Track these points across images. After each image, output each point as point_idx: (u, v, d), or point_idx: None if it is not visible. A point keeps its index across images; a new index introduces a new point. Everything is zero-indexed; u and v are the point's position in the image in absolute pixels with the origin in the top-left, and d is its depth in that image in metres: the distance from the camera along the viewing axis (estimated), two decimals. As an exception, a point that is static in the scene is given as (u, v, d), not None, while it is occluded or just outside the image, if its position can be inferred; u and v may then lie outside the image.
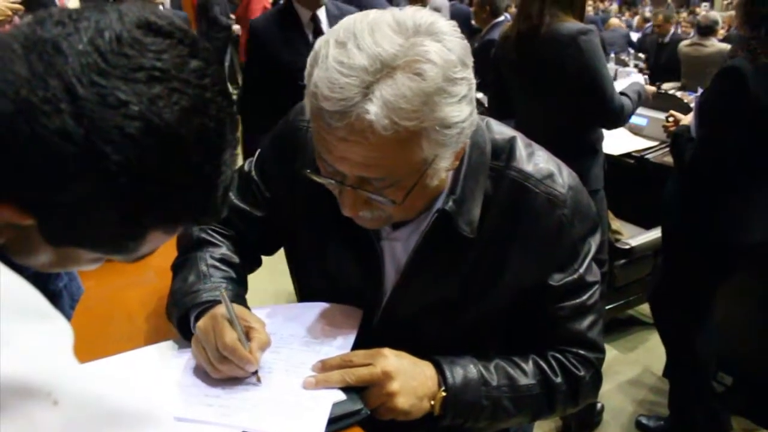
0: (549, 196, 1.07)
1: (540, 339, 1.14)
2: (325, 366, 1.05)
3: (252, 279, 1.25)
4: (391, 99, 0.84)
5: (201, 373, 1.05)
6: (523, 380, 1.10)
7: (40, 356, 0.49)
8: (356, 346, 1.09)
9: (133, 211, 0.61)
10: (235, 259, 1.21)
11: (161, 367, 1.09)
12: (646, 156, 3.44)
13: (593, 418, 2.73)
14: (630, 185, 3.33)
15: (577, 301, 1.11)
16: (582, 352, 1.13)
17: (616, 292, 3.13)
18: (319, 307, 1.18)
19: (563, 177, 1.10)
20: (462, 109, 0.90)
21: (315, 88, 0.88)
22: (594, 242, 1.14)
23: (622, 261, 3.06)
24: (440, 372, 1.07)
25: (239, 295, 1.16)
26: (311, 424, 0.95)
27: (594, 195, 2.45)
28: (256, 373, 1.03)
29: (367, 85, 0.84)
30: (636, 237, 3.08)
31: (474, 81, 0.93)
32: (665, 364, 2.79)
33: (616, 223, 3.11)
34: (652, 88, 3.45)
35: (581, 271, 1.11)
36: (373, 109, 0.84)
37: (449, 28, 0.91)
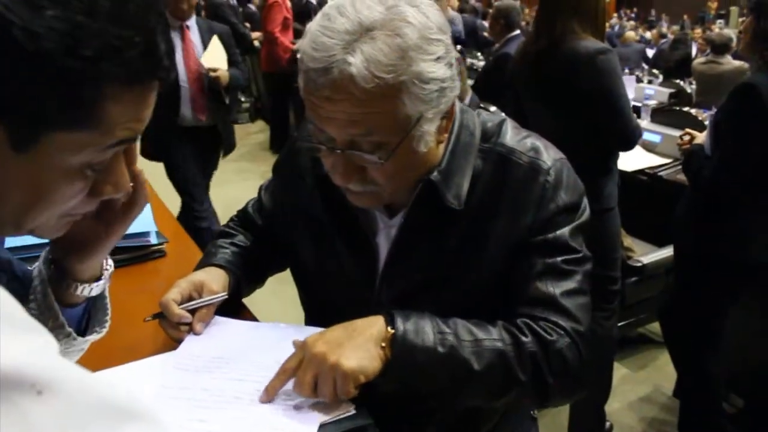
0: (533, 165, 1.10)
1: (510, 299, 1.08)
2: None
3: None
4: (370, 53, 0.91)
5: (193, 391, 1.04)
6: (485, 334, 1.03)
7: (27, 354, 0.48)
8: None
9: (88, 60, 0.61)
10: (247, 243, 1.34)
11: (159, 379, 1.08)
12: (659, 173, 3.42)
13: (602, 437, 2.70)
14: (642, 202, 3.30)
15: (550, 260, 1.07)
16: (553, 318, 1.05)
17: (627, 310, 3.09)
18: (311, 332, 1.14)
19: (549, 153, 1.13)
20: (439, 67, 0.96)
21: (302, 53, 0.95)
22: (581, 216, 1.11)
23: (634, 279, 3.03)
24: (391, 320, 1.02)
25: (231, 262, 1.28)
26: None
27: (608, 213, 2.44)
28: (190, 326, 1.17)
29: (349, 43, 0.91)
30: (648, 254, 3.05)
31: (453, 48, 1.00)
32: (675, 383, 2.75)
33: (627, 240, 3.09)
34: None
35: (558, 233, 1.08)
36: (354, 61, 0.90)
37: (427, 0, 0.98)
